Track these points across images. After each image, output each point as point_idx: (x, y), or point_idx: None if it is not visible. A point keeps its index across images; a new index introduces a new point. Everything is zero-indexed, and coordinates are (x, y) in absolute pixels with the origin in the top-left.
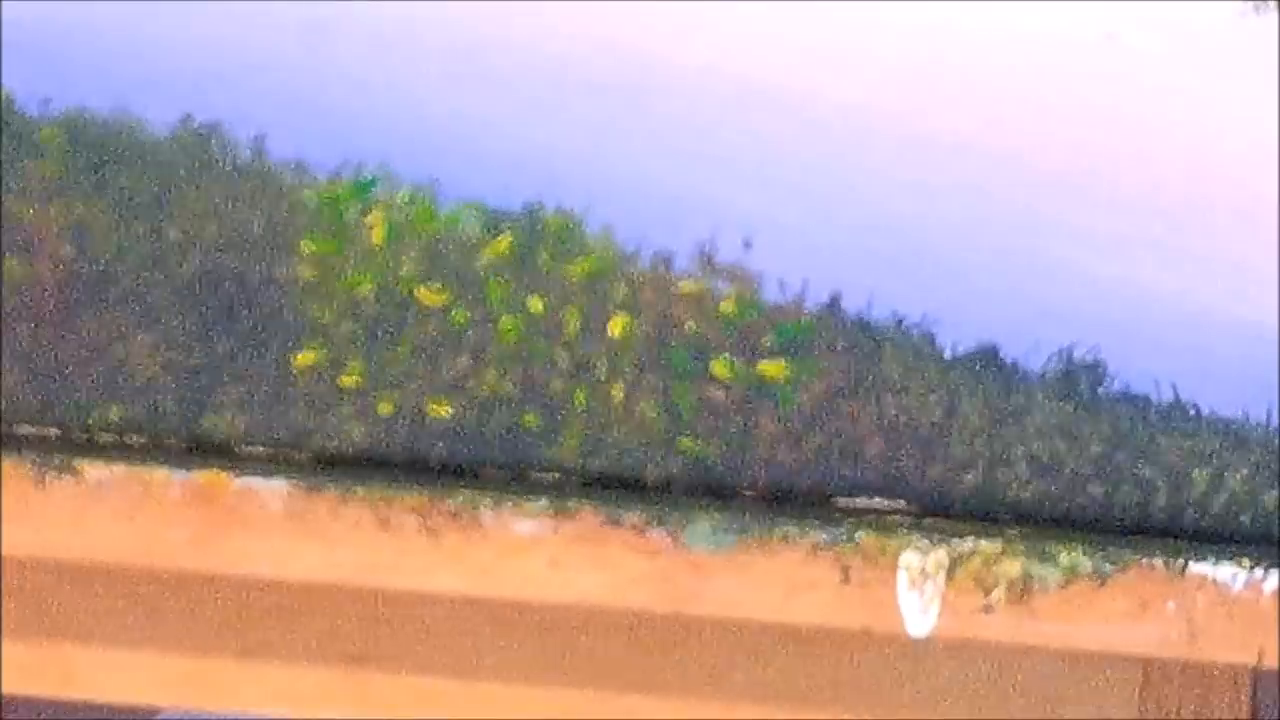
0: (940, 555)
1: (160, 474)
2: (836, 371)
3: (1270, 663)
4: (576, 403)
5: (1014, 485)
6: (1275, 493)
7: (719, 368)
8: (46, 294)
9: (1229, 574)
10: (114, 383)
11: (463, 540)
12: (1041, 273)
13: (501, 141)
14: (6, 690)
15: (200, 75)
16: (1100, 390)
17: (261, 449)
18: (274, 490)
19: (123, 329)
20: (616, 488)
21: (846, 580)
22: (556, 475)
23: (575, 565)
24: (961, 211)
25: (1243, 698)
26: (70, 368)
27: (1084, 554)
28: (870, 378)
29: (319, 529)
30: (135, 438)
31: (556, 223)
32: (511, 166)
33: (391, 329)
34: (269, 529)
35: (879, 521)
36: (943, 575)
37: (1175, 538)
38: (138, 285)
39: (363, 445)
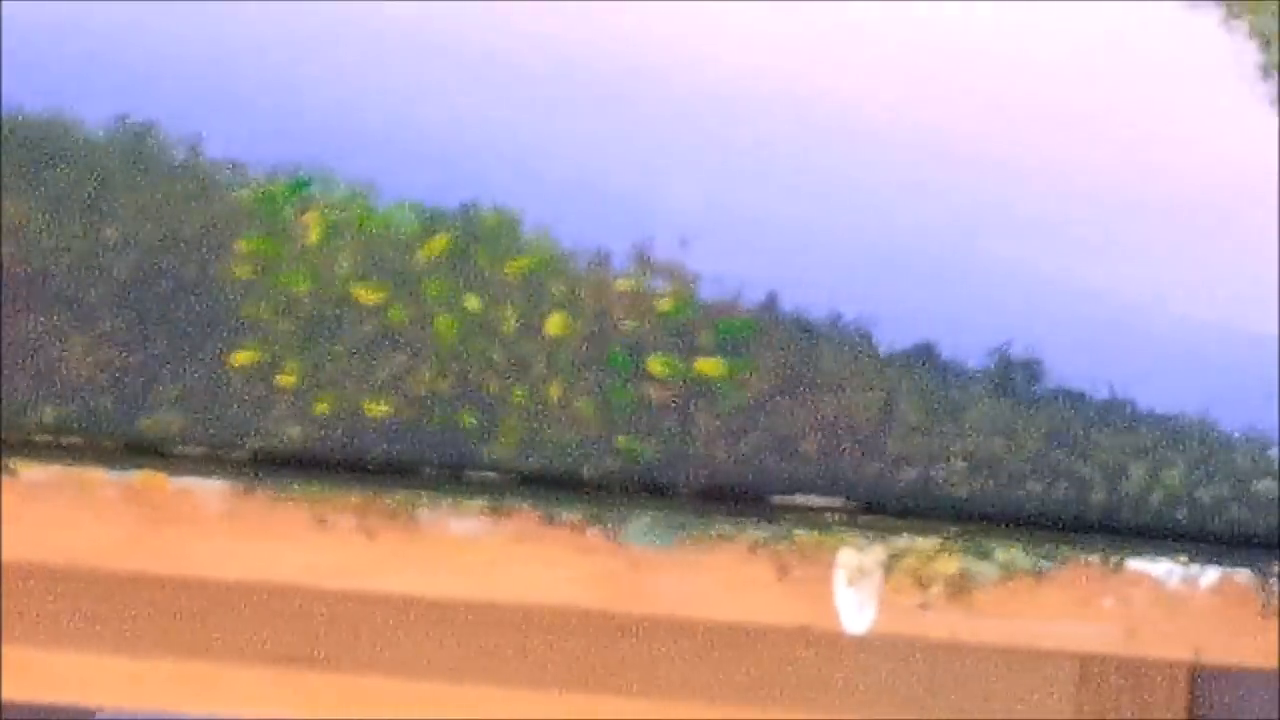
0: (878, 552)
1: (96, 474)
2: (774, 369)
3: (1208, 659)
4: (514, 401)
5: (951, 482)
6: (1212, 488)
7: (656, 366)
8: None
9: (1166, 570)
10: (49, 383)
11: (400, 539)
12: (978, 271)
13: (438, 140)
14: None
15: (136, 75)
16: (1037, 387)
17: (198, 449)
18: (211, 490)
19: (58, 329)
20: (554, 486)
21: (784, 578)
22: (494, 474)
23: (513, 563)
24: (897, 210)
25: (1180, 693)
26: (4, 368)
27: (1021, 550)
28: (807, 375)
29: (256, 529)
30: (71, 438)
31: (493, 221)
32: (448, 165)
33: (328, 328)
34: (206, 529)
35: (816, 519)
36: (880, 572)
37: (1112, 534)
38: (73, 285)
39: (300, 444)
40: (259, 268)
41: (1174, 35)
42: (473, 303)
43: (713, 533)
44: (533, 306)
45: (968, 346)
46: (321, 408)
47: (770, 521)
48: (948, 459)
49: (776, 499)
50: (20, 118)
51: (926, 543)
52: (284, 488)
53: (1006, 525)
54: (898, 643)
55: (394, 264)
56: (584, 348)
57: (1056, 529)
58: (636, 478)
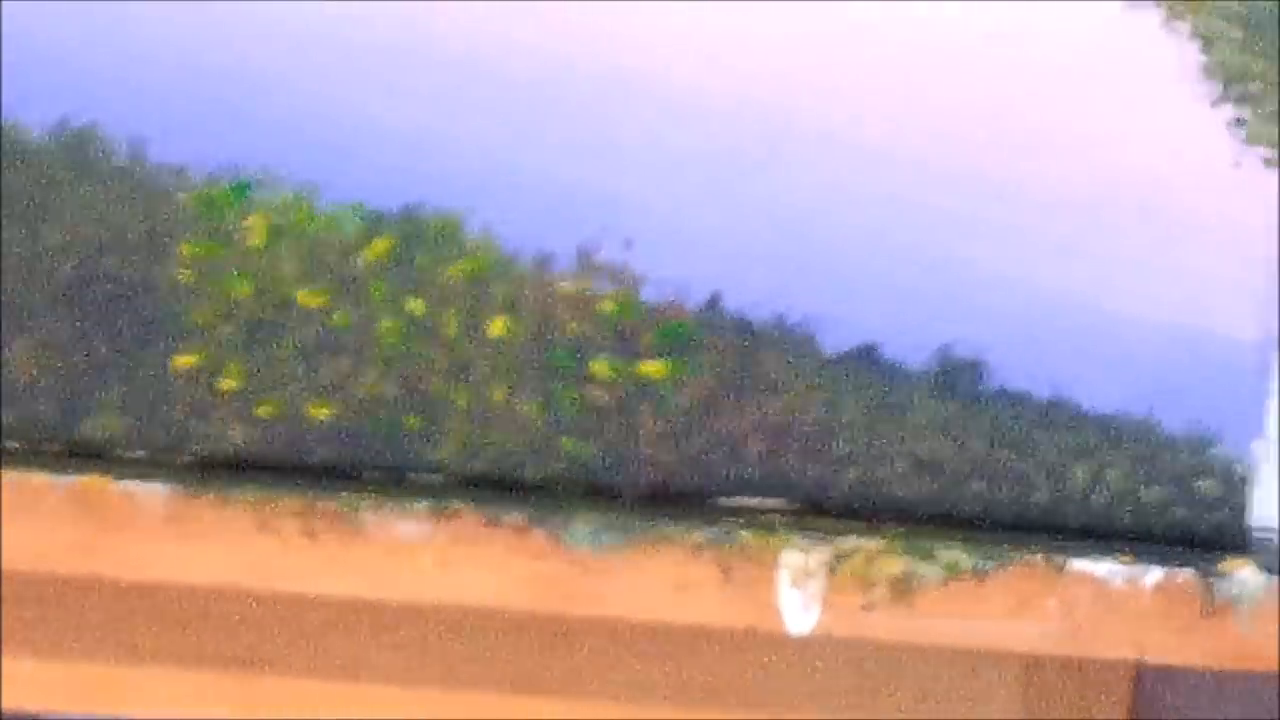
0: (821, 554)
1: (40, 479)
2: (717, 371)
3: (1151, 658)
4: (457, 404)
5: (894, 483)
6: (1154, 488)
7: (599, 368)
8: None
9: (1109, 570)
10: None
11: (343, 542)
12: (920, 271)
13: (381, 143)
14: None
15: (77, 78)
16: (979, 388)
17: (141, 453)
18: (154, 494)
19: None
20: (497, 489)
21: (728, 580)
22: (437, 476)
23: (457, 566)
24: (841, 211)
25: (1124, 693)
26: None
27: (964, 551)
28: (751, 377)
29: (199, 532)
30: (14, 443)
31: (436, 224)
32: (391, 167)
33: (271, 331)
34: (149, 533)
35: (760, 520)
36: (824, 574)
37: (1055, 534)
38: (15, 289)
39: (242, 448)
40: (202, 271)
41: (1116, 37)
42: (416, 306)
43: (656, 534)
44: (476, 309)
45: (910, 348)
46: (264, 411)
47: (714, 523)
48: (891, 460)
49: (720, 501)
50: None
51: (870, 544)
52: (227, 491)
53: (950, 526)
54: (841, 644)
55: (337, 267)
56: (527, 350)
57: (999, 529)
58: (580, 480)
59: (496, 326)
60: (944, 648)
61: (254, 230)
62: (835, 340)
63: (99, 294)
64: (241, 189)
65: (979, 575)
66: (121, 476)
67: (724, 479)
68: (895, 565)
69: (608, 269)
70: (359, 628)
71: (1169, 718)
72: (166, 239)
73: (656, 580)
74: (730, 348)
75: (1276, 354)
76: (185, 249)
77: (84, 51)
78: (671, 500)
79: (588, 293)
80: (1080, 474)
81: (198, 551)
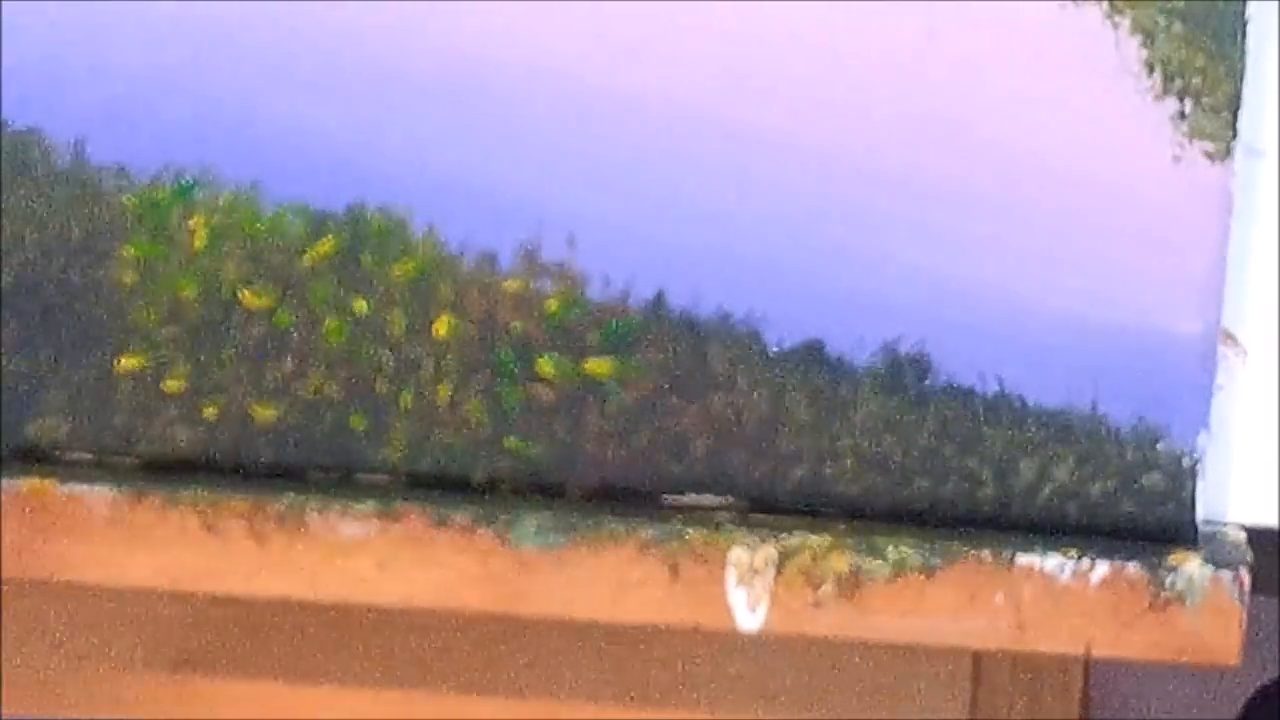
0: (769, 551)
1: None
2: (662, 368)
3: (1099, 652)
4: (402, 404)
5: (841, 479)
6: (1101, 483)
7: (545, 366)
8: None
9: (1056, 564)
10: None
11: (290, 543)
12: (865, 267)
13: (324, 142)
14: None
15: (17, 79)
16: (926, 384)
17: (86, 455)
18: (99, 496)
19: None
20: (444, 488)
21: (675, 577)
22: (383, 477)
23: (403, 566)
24: (785, 208)
25: (1073, 688)
26: None
27: (912, 547)
28: (696, 374)
29: (145, 534)
30: None
31: (380, 223)
32: (334, 167)
33: (215, 332)
34: (94, 535)
35: (707, 518)
36: (771, 571)
37: (1002, 529)
38: None
39: (188, 449)
40: (145, 273)
41: (1056, 32)
42: (360, 306)
43: (603, 533)
44: (421, 309)
45: (856, 344)
46: (209, 412)
47: (661, 521)
48: (837, 456)
49: (667, 499)
50: None
51: (817, 540)
52: (172, 493)
53: (897, 522)
54: (790, 641)
55: (280, 267)
56: (472, 349)
57: (947, 525)
58: (526, 479)
59: (441, 326)
60: (892, 644)
61: (197, 231)
62: (780, 337)
63: (42, 297)
64: (184, 190)
65: (926, 571)
66: (67, 479)
67: (670, 477)
68: (843, 562)
69: (551, 267)
70: (305, 629)
71: (1119, 713)
72: (109, 241)
73: (603, 579)
74: (675, 345)
75: (1219, 347)
76: (128, 251)
77: (23, 53)
78: (618, 498)
79: (532, 291)
80: (1027, 469)
81: (144, 553)
